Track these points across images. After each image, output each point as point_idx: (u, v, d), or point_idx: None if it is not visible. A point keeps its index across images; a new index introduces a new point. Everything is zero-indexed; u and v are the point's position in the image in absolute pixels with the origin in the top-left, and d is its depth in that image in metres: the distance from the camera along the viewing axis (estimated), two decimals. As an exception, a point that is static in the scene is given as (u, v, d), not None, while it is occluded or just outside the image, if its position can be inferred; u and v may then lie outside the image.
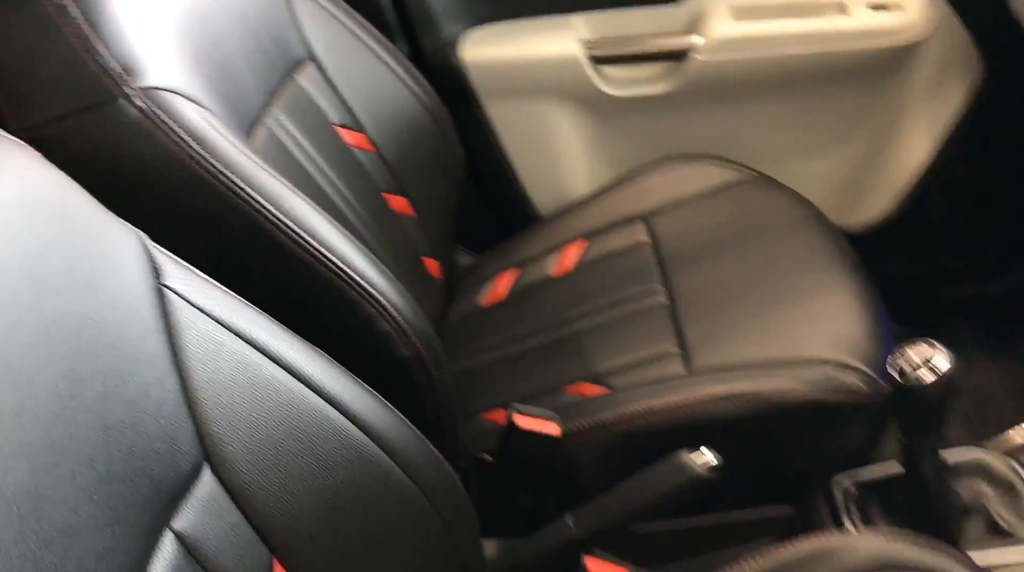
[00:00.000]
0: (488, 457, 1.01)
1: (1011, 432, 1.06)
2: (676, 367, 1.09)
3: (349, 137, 1.16)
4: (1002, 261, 1.58)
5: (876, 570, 0.76)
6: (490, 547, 0.99)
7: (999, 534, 0.93)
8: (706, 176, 1.37)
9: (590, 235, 1.36)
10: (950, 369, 0.84)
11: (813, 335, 1.06)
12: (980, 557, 0.89)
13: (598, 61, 1.45)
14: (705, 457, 0.87)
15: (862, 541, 0.79)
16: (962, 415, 1.34)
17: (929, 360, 0.85)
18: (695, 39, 1.42)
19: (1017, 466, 0.98)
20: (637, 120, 1.50)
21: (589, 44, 1.45)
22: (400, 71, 1.27)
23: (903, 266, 1.58)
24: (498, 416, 1.10)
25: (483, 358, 1.24)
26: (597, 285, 1.27)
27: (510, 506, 1.03)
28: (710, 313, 1.14)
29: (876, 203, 1.55)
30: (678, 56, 1.42)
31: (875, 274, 1.16)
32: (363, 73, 1.22)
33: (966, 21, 1.41)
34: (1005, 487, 0.97)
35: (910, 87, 1.47)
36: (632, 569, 0.91)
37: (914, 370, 0.85)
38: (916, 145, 1.51)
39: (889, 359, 0.87)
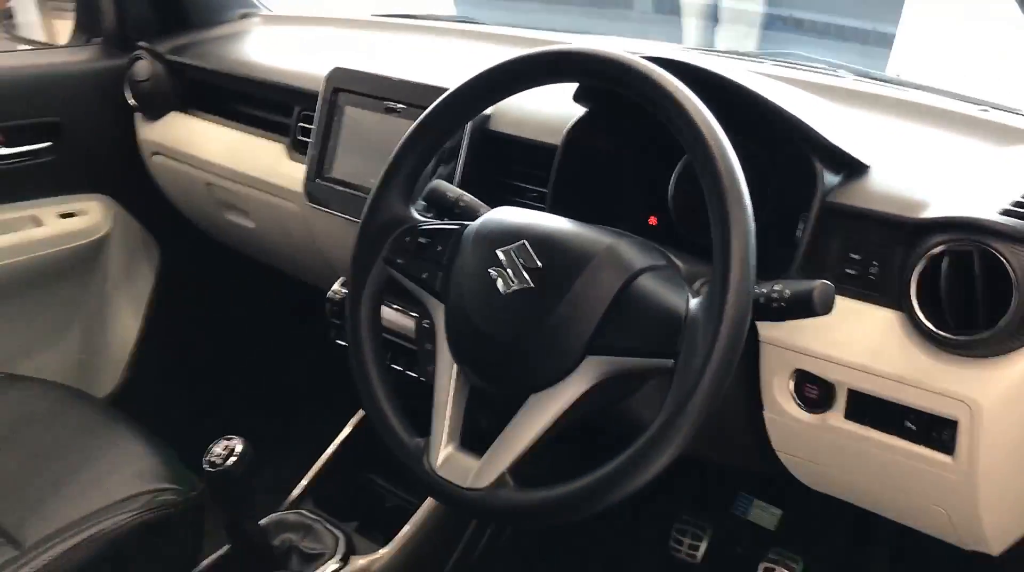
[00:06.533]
0: None
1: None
2: (8, 553, 1.15)
3: None
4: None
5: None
6: None
7: (312, 560, 1.25)
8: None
9: None
10: (244, 450, 1.13)
11: (120, 480, 1.24)
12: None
13: None
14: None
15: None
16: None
17: (231, 449, 1.12)
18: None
19: (303, 512, 1.32)
20: None
21: None
22: None
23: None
24: None
25: None
26: None
27: None
28: (12, 500, 1.22)
29: (110, 375, 1.79)
30: None
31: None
32: None
33: (137, 217, 1.77)
34: (302, 529, 1.29)
35: (108, 273, 1.75)
36: None
37: (221, 460, 1.12)
38: (125, 322, 1.80)
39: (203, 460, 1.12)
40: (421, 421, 0.93)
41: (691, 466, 1.63)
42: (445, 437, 0.89)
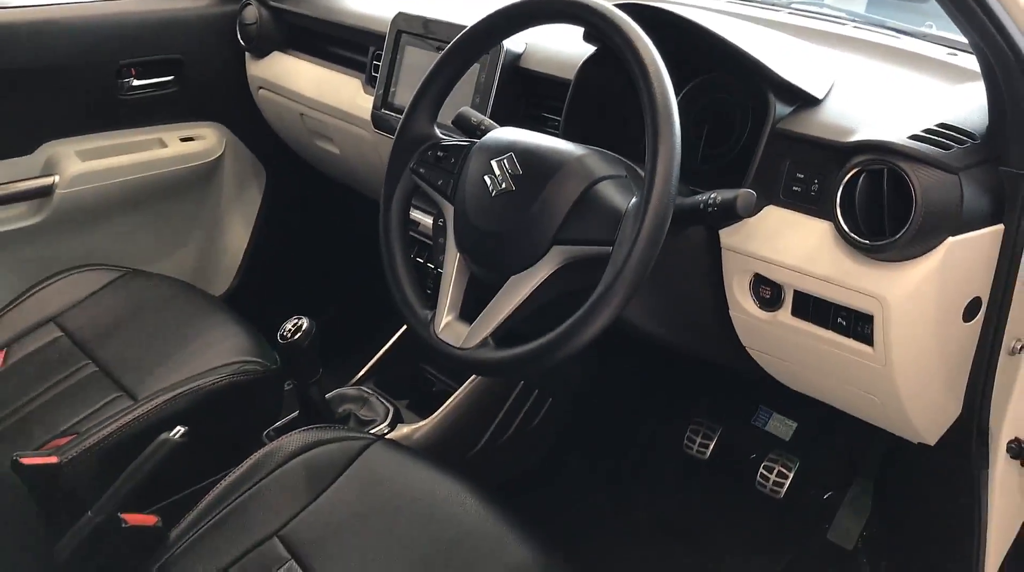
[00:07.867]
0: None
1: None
2: (125, 402, 1.45)
3: None
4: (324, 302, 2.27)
5: (307, 449, 1.25)
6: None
7: (366, 424, 1.51)
8: (94, 280, 1.73)
9: (7, 345, 1.62)
10: (308, 327, 1.38)
11: (216, 352, 1.53)
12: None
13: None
14: (177, 430, 1.28)
15: (292, 437, 1.28)
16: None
17: (298, 326, 1.38)
18: (53, 178, 1.79)
19: (363, 388, 1.58)
20: (17, 248, 1.81)
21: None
22: None
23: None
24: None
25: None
26: (29, 379, 1.55)
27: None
28: (131, 364, 1.52)
29: (225, 276, 2.10)
30: (43, 193, 1.78)
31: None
32: None
33: (246, 143, 2.05)
34: (361, 401, 1.55)
35: (222, 191, 2.05)
36: (158, 517, 1.24)
37: (290, 334, 1.38)
38: (236, 233, 2.10)
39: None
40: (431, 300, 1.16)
41: (716, 378, 1.82)
42: (447, 309, 1.12)
